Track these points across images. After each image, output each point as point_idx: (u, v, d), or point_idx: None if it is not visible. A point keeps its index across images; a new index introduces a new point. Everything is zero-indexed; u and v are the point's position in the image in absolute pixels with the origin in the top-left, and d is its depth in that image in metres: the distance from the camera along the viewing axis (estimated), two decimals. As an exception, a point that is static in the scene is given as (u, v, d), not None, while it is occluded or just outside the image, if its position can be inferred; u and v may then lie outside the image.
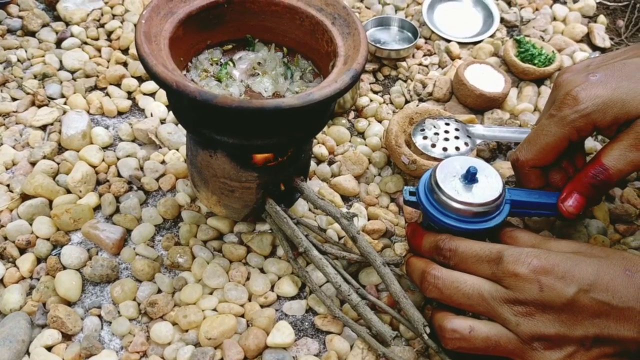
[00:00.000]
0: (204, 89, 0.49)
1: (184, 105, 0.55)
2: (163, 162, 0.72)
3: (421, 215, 0.62)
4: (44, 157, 0.70)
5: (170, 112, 0.77)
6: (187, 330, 0.58)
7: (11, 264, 0.62)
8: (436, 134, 0.71)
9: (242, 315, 0.60)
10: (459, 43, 0.90)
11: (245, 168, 0.58)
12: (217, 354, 0.56)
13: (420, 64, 0.87)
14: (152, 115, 0.77)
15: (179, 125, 0.75)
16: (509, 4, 0.98)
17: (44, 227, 0.64)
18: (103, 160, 0.71)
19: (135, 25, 0.84)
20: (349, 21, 0.57)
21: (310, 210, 0.68)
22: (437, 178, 0.55)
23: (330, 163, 0.74)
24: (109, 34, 0.87)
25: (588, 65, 0.60)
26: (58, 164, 0.70)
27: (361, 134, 0.78)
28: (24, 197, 0.67)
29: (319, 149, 0.74)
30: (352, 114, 0.80)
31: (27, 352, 0.56)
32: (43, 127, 0.75)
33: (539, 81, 0.85)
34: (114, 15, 0.89)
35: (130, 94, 0.80)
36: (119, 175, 0.70)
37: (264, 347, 0.57)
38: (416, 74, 0.85)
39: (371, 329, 0.56)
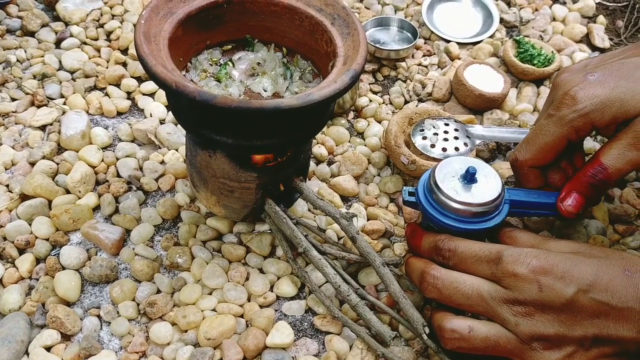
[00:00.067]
0: (203, 89, 0.49)
1: (183, 105, 0.55)
2: (162, 162, 0.72)
3: (420, 215, 0.62)
4: (43, 157, 0.70)
5: (170, 113, 0.77)
6: (186, 331, 0.58)
7: (10, 264, 0.62)
8: (435, 134, 0.71)
9: (242, 316, 0.60)
10: (459, 43, 0.90)
11: (244, 168, 0.58)
12: (216, 354, 0.56)
13: (419, 65, 0.87)
14: (151, 116, 0.77)
15: (179, 126, 0.75)
16: (509, 5, 0.98)
17: (43, 227, 0.64)
18: (102, 160, 0.71)
19: (134, 25, 0.84)
20: (348, 21, 0.57)
21: (309, 210, 0.68)
22: (436, 178, 0.55)
23: (330, 163, 0.74)
24: (109, 34, 0.87)
25: (586, 65, 0.60)
26: (57, 164, 0.70)
27: (360, 134, 0.78)
28: (23, 197, 0.67)
29: (318, 149, 0.74)
30: (351, 115, 0.80)
31: (26, 353, 0.56)
32: (42, 128, 0.75)
33: (538, 81, 0.85)
34: (113, 16, 0.89)
35: (129, 94, 0.80)
36: (118, 175, 0.70)
37: (263, 348, 0.57)
38: (415, 75, 0.85)
39: (370, 329, 0.56)
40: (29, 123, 0.74)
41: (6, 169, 0.70)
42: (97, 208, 0.67)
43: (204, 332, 0.56)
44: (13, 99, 0.78)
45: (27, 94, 0.78)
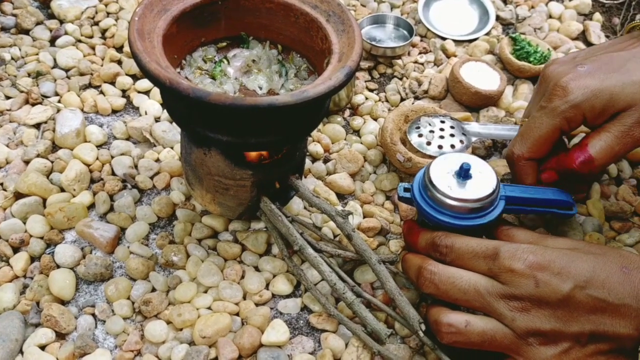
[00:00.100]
0: (198, 86, 0.49)
1: (177, 102, 0.55)
2: (157, 160, 0.72)
3: (416, 212, 0.62)
4: (38, 156, 0.70)
5: (165, 110, 0.77)
6: (181, 329, 0.58)
7: (5, 262, 0.62)
8: (431, 131, 0.71)
9: (237, 314, 0.60)
10: (455, 41, 0.89)
11: (239, 166, 0.58)
12: (211, 353, 0.56)
13: (415, 62, 0.87)
14: (146, 114, 0.76)
15: (174, 124, 0.75)
16: (505, 2, 0.98)
17: (37, 225, 0.64)
18: (97, 158, 0.71)
19: (129, 22, 0.83)
20: (343, 18, 0.57)
21: (305, 208, 0.68)
22: (430, 175, 0.55)
23: (326, 161, 0.74)
24: (103, 31, 0.87)
25: (574, 57, 0.61)
26: (52, 162, 0.70)
27: (356, 132, 0.78)
28: (18, 195, 0.67)
29: (314, 147, 0.73)
30: (347, 112, 0.80)
31: (21, 351, 0.56)
32: (37, 126, 0.74)
33: (534, 79, 0.85)
34: (108, 13, 0.89)
35: (124, 92, 0.80)
36: (113, 173, 0.70)
37: (259, 346, 0.57)
38: (412, 72, 0.84)
39: (366, 327, 0.56)
40: (24, 121, 0.74)
41: (0, 167, 0.70)
42: (91, 206, 0.67)
43: (199, 331, 0.56)
44: (7, 97, 0.78)
45: (21, 92, 0.78)
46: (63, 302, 0.60)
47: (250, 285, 0.61)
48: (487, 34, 0.91)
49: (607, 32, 0.95)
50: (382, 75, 0.86)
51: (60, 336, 0.57)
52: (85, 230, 0.63)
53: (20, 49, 0.83)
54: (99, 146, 0.73)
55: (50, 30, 0.86)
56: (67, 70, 0.81)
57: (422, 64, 0.87)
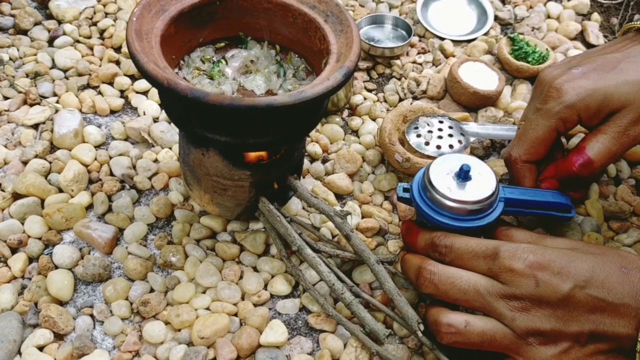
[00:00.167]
0: (196, 87, 0.49)
1: (175, 103, 0.55)
2: (156, 160, 0.72)
3: (415, 213, 0.62)
4: (36, 156, 0.70)
5: (163, 111, 0.77)
6: (179, 330, 0.58)
7: (3, 263, 0.62)
8: (430, 132, 0.71)
9: (235, 314, 0.59)
10: (453, 41, 0.89)
11: (237, 166, 0.58)
12: (210, 353, 0.56)
13: (414, 62, 0.87)
14: (144, 114, 0.76)
15: (172, 124, 0.74)
16: (503, 2, 0.98)
17: (35, 226, 0.64)
18: (95, 159, 0.71)
19: (127, 22, 0.83)
20: (341, 18, 0.57)
21: (303, 208, 0.68)
22: (430, 176, 0.55)
23: (324, 161, 0.74)
24: (102, 32, 0.87)
25: (569, 61, 0.62)
26: (50, 162, 0.70)
27: (355, 132, 0.78)
28: (16, 196, 0.67)
29: (312, 147, 0.73)
30: (346, 112, 0.80)
31: (19, 352, 0.56)
32: (35, 126, 0.74)
33: (532, 79, 0.85)
34: (106, 14, 0.89)
35: (122, 93, 0.80)
36: (112, 174, 0.70)
37: (257, 346, 0.57)
38: (410, 72, 0.84)
39: (365, 327, 0.56)
40: (22, 122, 0.74)
41: (-2, 168, 0.70)
42: (90, 207, 0.67)
43: (197, 331, 0.56)
44: (5, 98, 0.78)
45: (19, 92, 0.78)
46: (61, 303, 0.60)
47: (248, 286, 0.61)
48: (486, 34, 0.91)
49: (605, 32, 0.95)
50: (380, 75, 0.86)
51: (59, 337, 0.57)
52: (84, 231, 0.63)
53: (18, 50, 0.83)
54: (97, 147, 0.73)
55: (49, 31, 0.86)
56: (65, 71, 0.81)
57: (420, 64, 0.87)
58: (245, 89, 0.60)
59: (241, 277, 0.62)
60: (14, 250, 0.63)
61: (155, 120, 0.76)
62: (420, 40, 0.91)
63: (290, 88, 0.60)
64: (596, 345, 0.49)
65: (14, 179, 0.67)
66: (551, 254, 0.50)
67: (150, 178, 0.70)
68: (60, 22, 0.87)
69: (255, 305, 0.60)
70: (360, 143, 0.75)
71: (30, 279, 0.61)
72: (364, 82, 0.84)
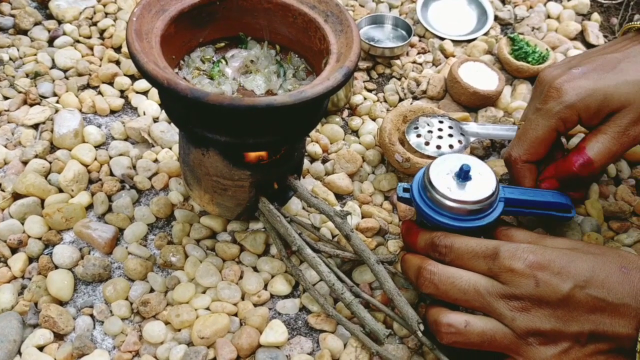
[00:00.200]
0: (196, 87, 0.49)
1: (175, 103, 0.55)
2: (156, 160, 0.72)
3: (415, 213, 0.62)
4: (36, 156, 0.70)
5: (163, 111, 0.77)
6: (179, 330, 0.58)
7: (3, 263, 0.62)
8: (430, 132, 0.71)
9: (235, 314, 0.59)
10: (453, 41, 0.89)
11: (237, 166, 0.58)
12: (210, 353, 0.56)
13: (414, 62, 0.87)
14: (144, 114, 0.76)
15: (172, 124, 0.74)
16: (503, 2, 0.98)
17: (35, 226, 0.64)
18: (95, 159, 0.71)
19: (127, 22, 0.83)
20: (341, 18, 0.57)
21: (303, 208, 0.68)
22: (430, 176, 0.55)
23: (324, 161, 0.74)
24: (102, 32, 0.87)
25: (569, 61, 0.62)
26: (50, 162, 0.70)
27: (355, 132, 0.78)
28: (16, 196, 0.67)
29: (312, 147, 0.73)
30: (346, 112, 0.80)
31: (19, 352, 0.56)
32: (35, 126, 0.74)
33: (532, 79, 0.85)
34: (106, 14, 0.89)
35: (122, 93, 0.80)
36: (112, 174, 0.70)
37: (257, 346, 0.57)
38: (410, 72, 0.84)
39: (365, 327, 0.56)
40: (22, 122, 0.74)
41: (-2, 168, 0.70)
42: (90, 207, 0.67)
43: (197, 331, 0.56)
44: (5, 98, 0.78)
45: (19, 92, 0.78)
46: (61, 303, 0.60)
47: (248, 286, 0.61)
48: (486, 34, 0.91)
49: (605, 32, 0.95)
50: (380, 75, 0.86)
51: (59, 337, 0.57)
52: (84, 231, 0.63)
53: (18, 50, 0.83)
54: (97, 147, 0.73)
55: (49, 31, 0.86)
56: (65, 71, 0.81)
57: (420, 64, 0.87)
58: (245, 89, 0.60)
59: (241, 277, 0.62)
60: (14, 250, 0.63)
61: (155, 120, 0.76)
62: (420, 40, 0.91)
63: (290, 88, 0.60)
64: (596, 345, 0.49)
65: (14, 179, 0.67)
66: (551, 254, 0.50)
67: (150, 178, 0.70)
68: (60, 22, 0.87)
69: (255, 305, 0.60)
70: (360, 143, 0.75)
71: (30, 279, 0.61)
72: (364, 82, 0.84)
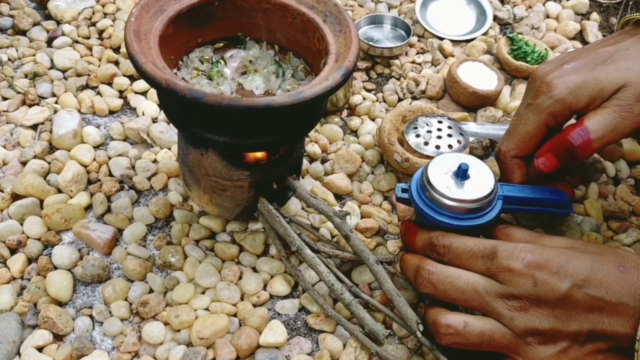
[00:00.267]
0: (194, 87, 0.49)
1: (174, 103, 0.55)
2: (155, 161, 0.72)
3: (414, 212, 0.62)
4: (35, 157, 0.70)
5: (162, 111, 0.77)
6: (179, 330, 0.58)
7: (2, 264, 0.62)
8: (429, 132, 0.71)
9: (235, 315, 0.59)
10: (452, 41, 0.89)
11: (236, 167, 0.58)
12: (209, 354, 0.56)
13: (413, 62, 0.87)
14: (143, 114, 0.76)
15: (171, 124, 0.74)
16: (502, 2, 0.98)
17: (34, 227, 0.64)
18: (94, 159, 0.71)
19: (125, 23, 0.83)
20: (340, 19, 0.57)
21: (303, 208, 0.68)
22: (428, 175, 0.55)
23: (323, 161, 0.74)
24: (101, 32, 0.87)
25: (563, 57, 0.62)
26: (49, 163, 0.70)
27: (354, 132, 0.78)
28: (15, 197, 0.67)
29: (311, 148, 0.73)
30: (345, 112, 0.80)
31: (18, 353, 0.56)
32: (34, 127, 0.74)
33: (532, 78, 0.85)
34: (105, 14, 0.89)
35: (121, 93, 0.80)
36: (111, 174, 0.70)
37: (257, 347, 0.57)
38: (409, 72, 0.84)
39: (364, 328, 0.56)
40: (21, 122, 0.74)
41: (-3, 169, 0.70)
42: (89, 207, 0.67)
43: (196, 332, 0.56)
44: (4, 98, 0.77)
45: (18, 93, 0.78)
46: (60, 304, 0.60)
47: (248, 286, 0.61)
48: (485, 34, 0.91)
49: (604, 32, 0.95)
50: (379, 75, 0.86)
51: (58, 338, 0.57)
52: (83, 232, 0.63)
53: (17, 50, 0.83)
54: (96, 147, 0.73)
55: (47, 31, 0.86)
56: (64, 71, 0.81)
57: (419, 64, 0.87)
58: (244, 89, 0.60)
59: (240, 278, 0.62)
60: (13, 251, 0.63)
61: (154, 120, 0.76)
62: (419, 40, 0.91)
63: (289, 88, 0.60)
64: (595, 344, 0.49)
65: (13, 180, 0.67)
66: (549, 253, 0.50)
67: (149, 178, 0.70)
68: (59, 23, 0.87)
69: (254, 305, 0.60)
70: (359, 143, 0.75)
71: (29, 279, 0.61)
72: (363, 82, 0.84)
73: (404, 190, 0.58)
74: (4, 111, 0.76)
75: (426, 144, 0.70)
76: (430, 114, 0.74)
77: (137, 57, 0.49)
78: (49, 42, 0.85)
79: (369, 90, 0.83)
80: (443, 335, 0.51)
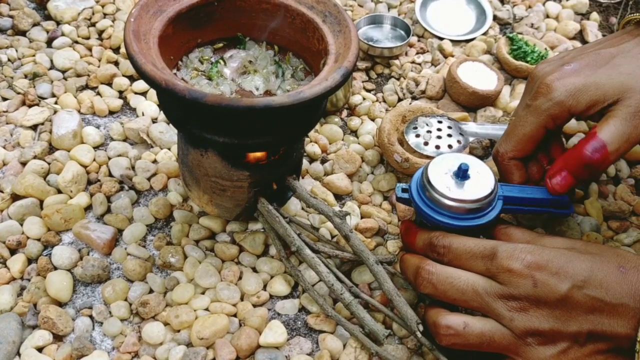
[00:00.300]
0: (194, 87, 0.49)
1: (173, 104, 0.55)
2: (155, 161, 0.72)
3: (414, 212, 0.62)
4: (35, 157, 0.70)
5: (162, 112, 0.77)
6: (179, 330, 0.58)
7: (2, 264, 0.62)
8: (429, 132, 0.71)
9: (235, 315, 0.59)
10: (452, 41, 0.89)
11: (236, 167, 0.58)
12: (209, 354, 0.56)
13: (413, 62, 0.87)
14: (143, 115, 0.76)
15: (171, 125, 0.74)
16: (502, 2, 0.98)
17: (34, 227, 0.64)
18: (94, 159, 0.71)
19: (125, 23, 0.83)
20: (339, 19, 0.57)
21: (302, 209, 0.68)
22: (429, 175, 0.55)
23: (323, 161, 0.73)
24: (100, 33, 0.87)
25: (563, 57, 0.61)
26: (49, 163, 0.70)
27: (354, 133, 0.78)
28: (15, 197, 0.67)
29: (311, 148, 0.73)
30: (345, 113, 0.80)
31: (18, 354, 0.56)
32: (34, 127, 0.74)
33: (531, 78, 0.84)
34: (105, 14, 0.89)
35: (121, 93, 0.80)
36: (110, 175, 0.70)
37: (257, 347, 0.57)
38: (409, 72, 0.84)
39: (364, 328, 0.56)
40: (20, 123, 0.74)
41: (-3, 169, 0.70)
42: (88, 208, 0.67)
43: (196, 332, 0.56)
44: (4, 99, 0.77)
45: (18, 93, 0.78)
46: (60, 304, 0.60)
47: (247, 287, 0.61)
48: (485, 33, 0.91)
49: (604, 32, 0.95)
50: (379, 75, 0.86)
51: (58, 338, 0.57)
52: (83, 232, 0.63)
53: (16, 51, 0.83)
54: (96, 147, 0.73)
55: (47, 32, 0.86)
56: (63, 72, 0.81)
57: (419, 64, 0.87)
58: (243, 90, 0.60)
59: (240, 278, 0.62)
60: (13, 252, 0.63)
61: (154, 120, 0.76)
62: (419, 40, 0.91)
63: (289, 88, 0.60)
64: (595, 345, 0.49)
65: (13, 180, 0.67)
66: (549, 254, 0.50)
67: (149, 179, 0.70)
68: (58, 23, 0.87)
69: (254, 305, 0.60)
70: (359, 143, 0.75)
71: (29, 280, 0.61)
72: (362, 82, 0.84)
73: (404, 190, 0.58)
74: (4, 111, 0.76)
75: (426, 144, 0.70)
76: (430, 114, 0.74)
77: (136, 58, 0.49)
78: (49, 43, 0.85)
79: (368, 91, 0.83)
80: (443, 336, 0.51)
